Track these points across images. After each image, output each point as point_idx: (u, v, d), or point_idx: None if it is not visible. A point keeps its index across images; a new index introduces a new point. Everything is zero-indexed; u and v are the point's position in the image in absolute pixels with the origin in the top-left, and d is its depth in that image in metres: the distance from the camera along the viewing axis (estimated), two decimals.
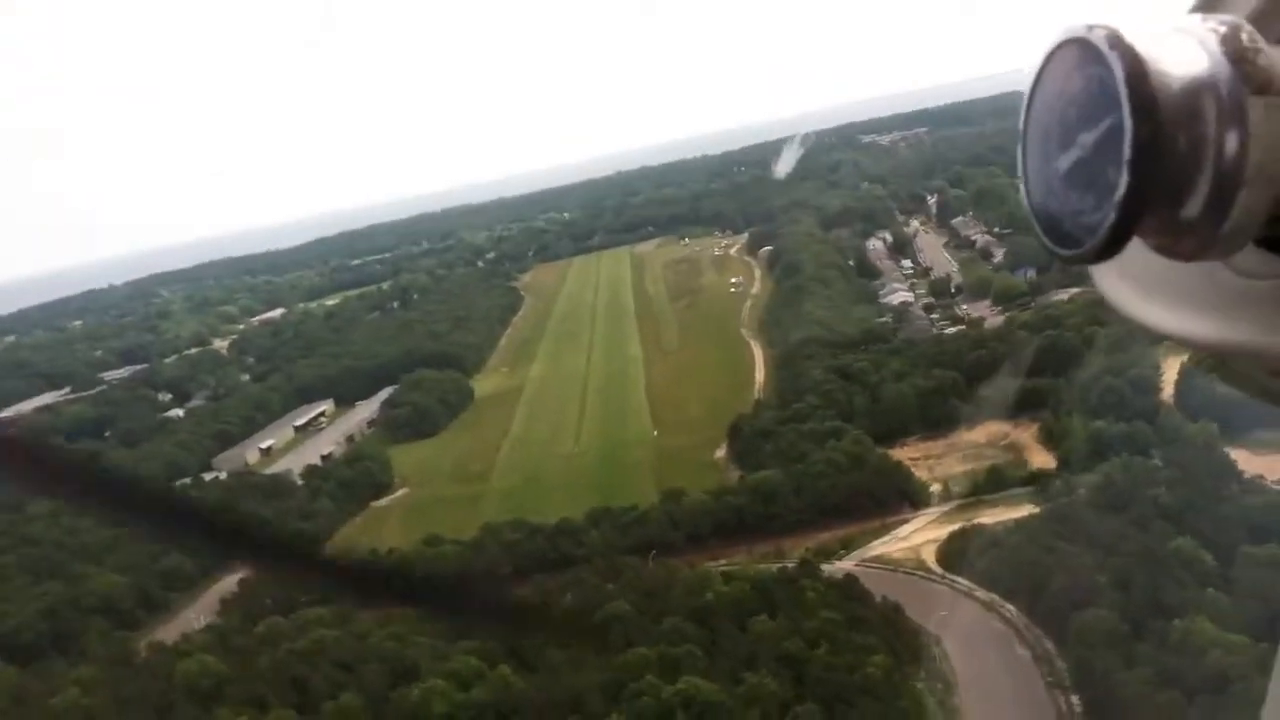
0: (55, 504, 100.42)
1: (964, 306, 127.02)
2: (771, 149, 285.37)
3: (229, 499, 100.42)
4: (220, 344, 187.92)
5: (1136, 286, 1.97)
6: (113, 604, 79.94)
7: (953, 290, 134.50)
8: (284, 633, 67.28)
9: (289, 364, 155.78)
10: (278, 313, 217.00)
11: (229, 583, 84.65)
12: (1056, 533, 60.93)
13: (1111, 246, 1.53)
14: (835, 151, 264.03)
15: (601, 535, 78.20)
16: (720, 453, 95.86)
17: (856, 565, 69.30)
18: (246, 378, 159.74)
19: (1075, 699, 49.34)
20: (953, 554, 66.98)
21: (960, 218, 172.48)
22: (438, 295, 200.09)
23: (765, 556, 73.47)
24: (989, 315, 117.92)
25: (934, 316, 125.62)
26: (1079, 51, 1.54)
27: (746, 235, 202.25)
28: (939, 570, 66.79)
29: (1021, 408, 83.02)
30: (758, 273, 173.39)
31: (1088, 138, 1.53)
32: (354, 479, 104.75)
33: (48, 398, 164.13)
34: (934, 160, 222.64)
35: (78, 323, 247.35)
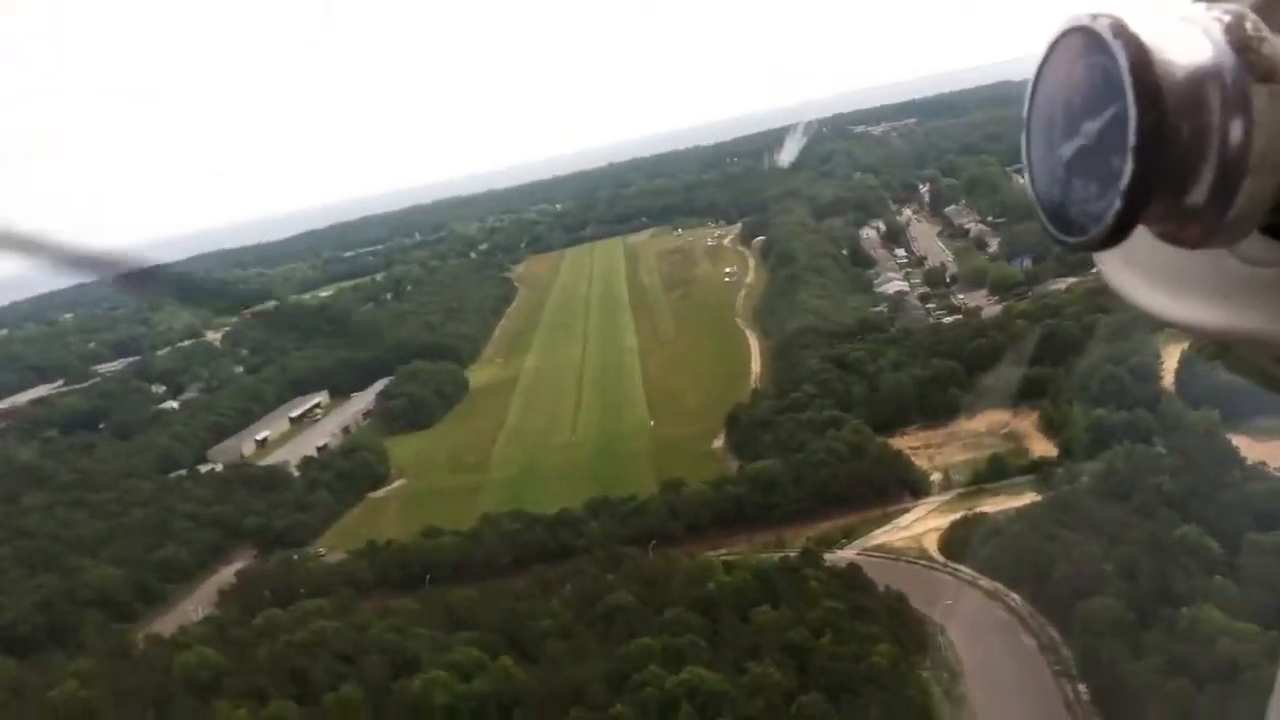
0: (50, 496, 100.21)
1: (960, 296, 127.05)
2: (764, 139, 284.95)
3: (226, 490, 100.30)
4: (213, 336, 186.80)
5: (1141, 274, 1.97)
6: (110, 596, 79.54)
7: (948, 279, 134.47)
8: (283, 624, 67.08)
9: (283, 355, 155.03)
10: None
11: (226, 574, 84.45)
12: (1060, 521, 60.72)
13: (1117, 234, 1.54)
14: (827, 142, 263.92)
15: (601, 526, 78.04)
16: (718, 443, 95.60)
17: (858, 554, 69.05)
18: (240, 369, 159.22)
19: (1082, 687, 49.18)
20: (955, 543, 66.81)
21: (953, 206, 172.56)
22: (431, 286, 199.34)
23: (766, 546, 73.32)
24: (986, 304, 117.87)
25: (930, 306, 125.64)
26: (1083, 40, 1.55)
27: (740, 225, 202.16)
28: (942, 559, 66.58)
29: (1022, 396, 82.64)
30: (752, 263, 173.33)
31: (1092, 126, 1.54)
32: (351, 470, 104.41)
33: (41, 390, 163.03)
34: (926, 149, 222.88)
35: (69, 315, 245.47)
